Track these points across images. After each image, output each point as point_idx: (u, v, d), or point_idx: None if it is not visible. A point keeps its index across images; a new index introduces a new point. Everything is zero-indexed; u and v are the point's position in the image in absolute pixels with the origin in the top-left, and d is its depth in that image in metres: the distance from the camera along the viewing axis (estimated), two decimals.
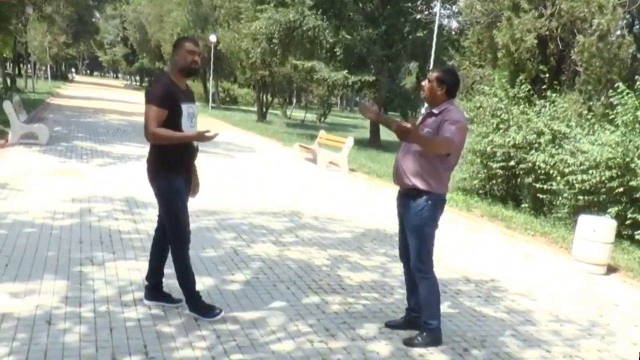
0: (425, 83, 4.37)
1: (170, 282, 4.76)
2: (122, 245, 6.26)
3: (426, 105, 4.77)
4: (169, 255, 4.55)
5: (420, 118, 4.52)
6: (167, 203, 4.36)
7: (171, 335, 4.18)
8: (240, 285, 5.39)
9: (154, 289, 4.72)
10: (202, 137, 4.18)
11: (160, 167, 4.31)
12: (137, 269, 5.47)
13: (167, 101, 4.13)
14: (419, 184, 4.23)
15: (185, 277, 4.48)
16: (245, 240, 7.01)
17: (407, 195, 4.36)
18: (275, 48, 22.09)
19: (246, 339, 4.25)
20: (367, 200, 10.86)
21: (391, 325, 4.75)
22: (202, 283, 5.30)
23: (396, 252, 7.07)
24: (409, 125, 3.85)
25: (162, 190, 4.34)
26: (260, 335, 4.35)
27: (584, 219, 7.58)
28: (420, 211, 4.27)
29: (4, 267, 5.24)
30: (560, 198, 9.93)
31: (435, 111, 4.28)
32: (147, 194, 8.74)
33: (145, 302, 4.69)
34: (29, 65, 45.35)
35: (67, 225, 6.78)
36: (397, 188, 4.55)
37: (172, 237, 4.42)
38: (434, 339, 4.48)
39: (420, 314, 4.60)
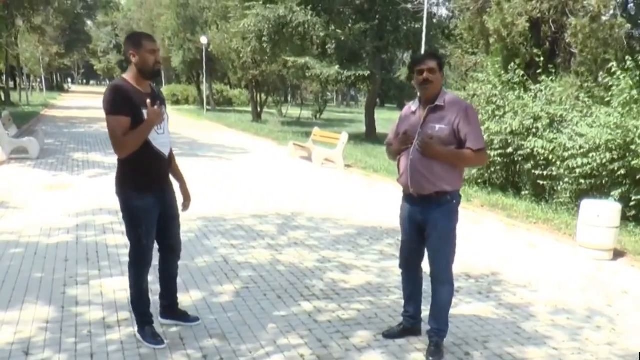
0: (429, 76, 3.91)
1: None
2: (109, 261, 6.04)
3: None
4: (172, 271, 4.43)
5: (422, 112, 4.04)
6: (131, 222, 4.00)
7: (154, 357, 3.96)
8: (229, 297, 5.17)
9: (169, 308, 4.49)
10: (156, 114, 3.81)
11: (128, 182, 3.94)
12: (123, 288, 5.24)
13: (126, 107, 3.76)
14: (445, 186, 3.96)
15: (138, 299, 4.18)
16: (236, 246, 6.80)
17: (430, 200, 4.01)
18: (266, 46, 21.82)
19: (234, 356, 4.03)
20: (362, 196, 10.62)
21: (388, 335, 4.48)
22: (190, 297, 5.11)
23: (392, 249, 6.93)
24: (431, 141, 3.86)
25: (128, 207, 3.97)
26: (248, 350, 4.13)
27: (586, 204, 7.33)
28: (449, 213, 4.03)
29: None
30: (561, 183, 9.70)
31: (440, 103, 3.94)
32: None
33: (161, 320, 4.47)
34: (23, 78, 45.17)
35: (53, 243, 6.57)
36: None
37: (131, 257, 4.11)
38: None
39: (418, 320, 4.44)
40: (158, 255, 4.36)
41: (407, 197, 4.21)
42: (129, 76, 3.91)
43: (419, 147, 3.92)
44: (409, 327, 4.49)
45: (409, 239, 4.30)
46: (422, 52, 17.78)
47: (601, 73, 10.03)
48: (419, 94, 4.10)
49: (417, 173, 3.98)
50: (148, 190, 3.97)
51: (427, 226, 4.09)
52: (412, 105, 4.16)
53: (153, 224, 4.04)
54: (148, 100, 3.81)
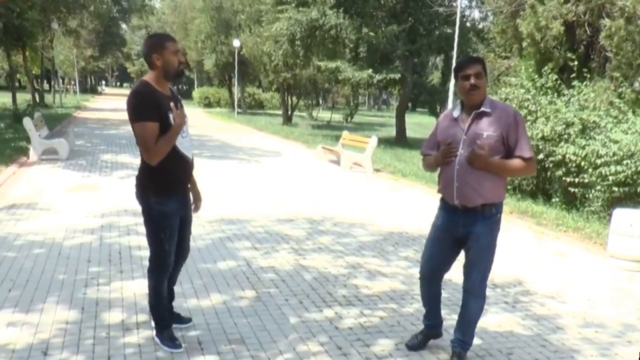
0: (477, 82, 3.70)
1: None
2: (131, 263, 6.02)
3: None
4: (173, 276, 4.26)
5: (466, 118, 3.83)
6: (154, 227, 3.91)
7: None
8: (249, 301, 5.11)
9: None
10: (181, 117, 3.74)
11: (152, 187, 3.83)
12: (144, 290, 5.20)
13: (154, 112, 3.65)
14: (492, 198, 3.79)
15: (157, 304, 4.10)
16: (260, 250, 6.75)
17: (475, 212, 3.82)
18: (298, 49, 21.83)
19: None
20: (390, 201, 10.51)
21: (411, 345, 4.33)
22: (210, 300, 5.06)
23: (418, 256, 6.78)
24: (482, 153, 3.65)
25: (151, 212, 3.88)
26: (266, 357, 4.05)
27: (619, 213, 7.12)
28: (492, 226, 3.85)
29: (7, 292, 5.04)
30: (593, 191, 9.46)
31: (486, 109, 3.75)
32: None
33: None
34: (57, 80, 45.88)
35: (76, 244, 6.58)
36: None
37: (151, 262, 4.03)
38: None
39: (439, 326, 4.33)
40: None
41: (449, 208, 3.97)
42: (150, 79, 3.78)
43: (468, 157, 3.73)
44: (428, 335, 4.36)
45: (442, 251, 4.09)
46: (454, 55, 17.57)
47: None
48: (463, 100, 3.88)
49: (464, 184, 3.78)
50: (172, 195, 3.89)
51: (468, 239, 3.90)
52: (454, 112, 3.91)
53: (176, 229, 3.97)
54: (172, 104, 3.74)
